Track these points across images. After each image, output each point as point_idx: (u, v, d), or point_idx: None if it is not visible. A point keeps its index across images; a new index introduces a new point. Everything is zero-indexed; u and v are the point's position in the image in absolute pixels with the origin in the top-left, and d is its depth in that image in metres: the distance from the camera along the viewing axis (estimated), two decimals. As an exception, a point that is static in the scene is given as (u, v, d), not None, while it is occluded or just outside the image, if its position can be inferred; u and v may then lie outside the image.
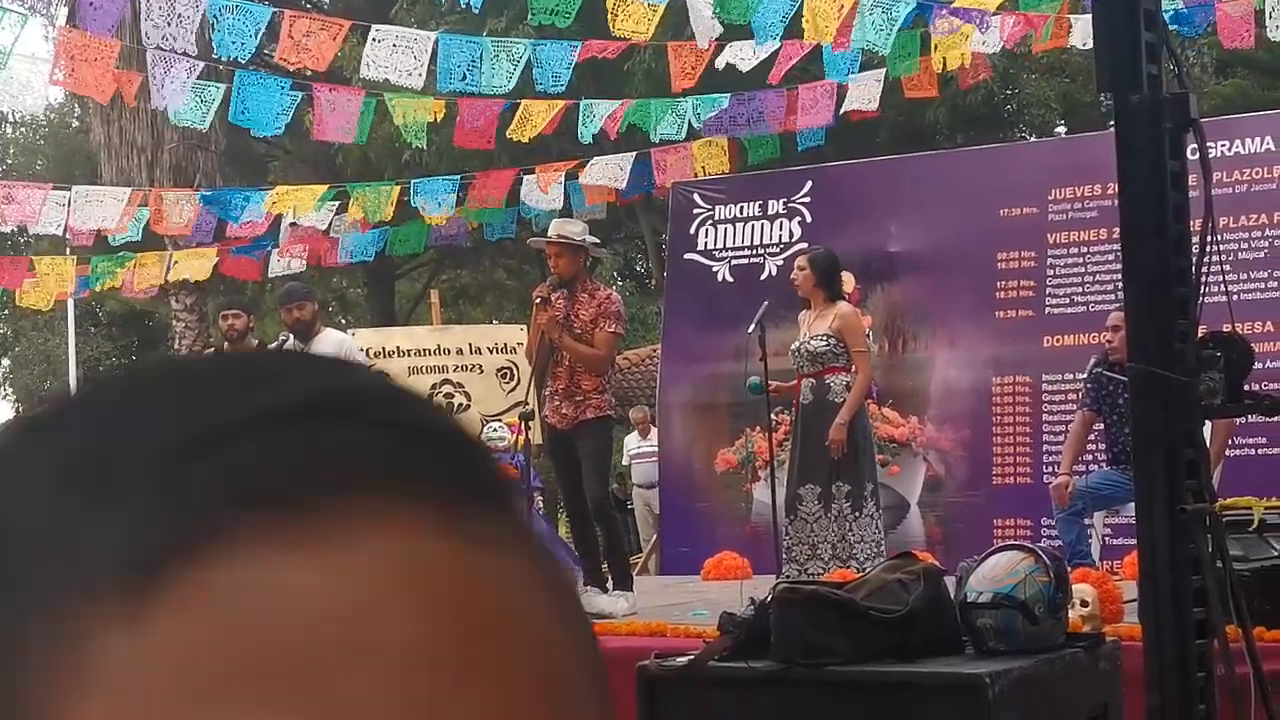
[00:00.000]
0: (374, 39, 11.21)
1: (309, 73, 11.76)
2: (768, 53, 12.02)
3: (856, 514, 8.96)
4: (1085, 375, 9.47)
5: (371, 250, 16.46)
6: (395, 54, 11.16)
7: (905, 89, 13.12)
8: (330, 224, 15.08)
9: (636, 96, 14.85)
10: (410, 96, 13.02)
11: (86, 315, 33.68)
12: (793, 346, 9.35)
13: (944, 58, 12.35)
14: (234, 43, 10.59)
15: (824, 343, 9.10)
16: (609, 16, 10.52)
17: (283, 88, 11.99)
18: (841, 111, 13.13)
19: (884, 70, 12.93)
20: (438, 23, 18.51)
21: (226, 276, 16.89)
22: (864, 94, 12.92)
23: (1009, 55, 16.91)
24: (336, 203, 14.75)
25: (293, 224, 14.94)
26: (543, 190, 14.36)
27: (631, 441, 17.91)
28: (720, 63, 12.23)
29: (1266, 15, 11.08)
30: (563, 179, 14.50)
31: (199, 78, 11.70)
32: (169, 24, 9.89)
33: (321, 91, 12.42)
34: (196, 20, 10.10)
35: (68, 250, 17.59)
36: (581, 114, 13.17)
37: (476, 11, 11.65)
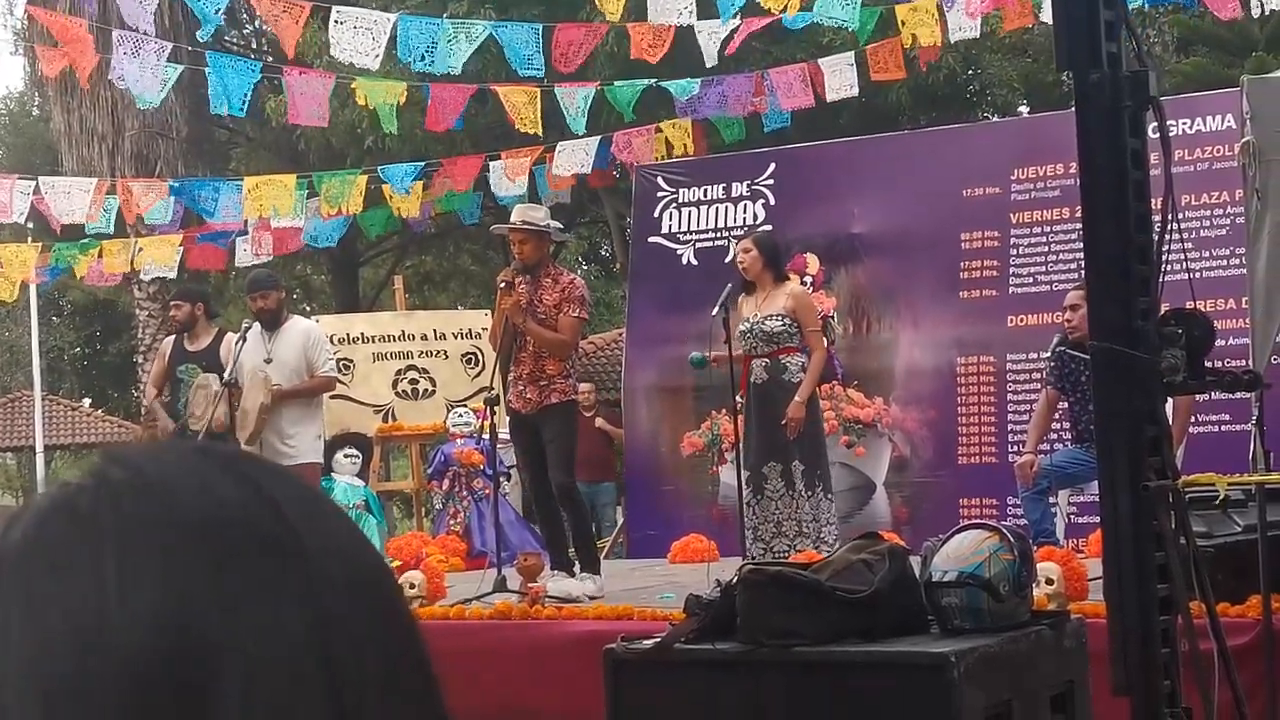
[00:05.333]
0: (336, 21, 11.18)
1: (270, 58, 11.74)
2: (730, 30, 12.04)
3: (812, 493, 8.97)
4: (1048, 354, 9.49)
5: (336, 236, 16.40)
6: (358, 36, 11.13)
7: (872, 71, 13.12)
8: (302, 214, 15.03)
9: (602, 78, 14.83)
10: (376, 80, 12.99)
11: (49, 305, 33.51)
12: (742, 328, 9.26)
13: (914, 34, 12.35)
14: (202, 19, 10.59)
15: (779, 323, 9.08)
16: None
17: (252, 70, 11.97)
18: (829, 100, 13.17)
19: (853, 52, 12.97)
20: (398, 5, 18.42)
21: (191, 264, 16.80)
22: (841, 80, 12.96)
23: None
24: (307, 192, 14.69)
25: (260, 217, 14.87)
26: (510, 179, 14.32)
27: None
28: (705, 55, 12.25)
29: None
30: (529, 164, 14.48)
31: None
32: (137, 2, 9.86)
33: (291, 75, 12.38)
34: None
35: (29, 239, 17.49)
36: (562, 104, 13.17)
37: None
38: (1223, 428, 10.36)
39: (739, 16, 11.56)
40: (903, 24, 12.39)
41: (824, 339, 9.50)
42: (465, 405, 13.68)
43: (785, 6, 10.76)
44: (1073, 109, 4.77)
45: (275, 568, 0.76)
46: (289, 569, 0.76)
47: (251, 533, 0.76)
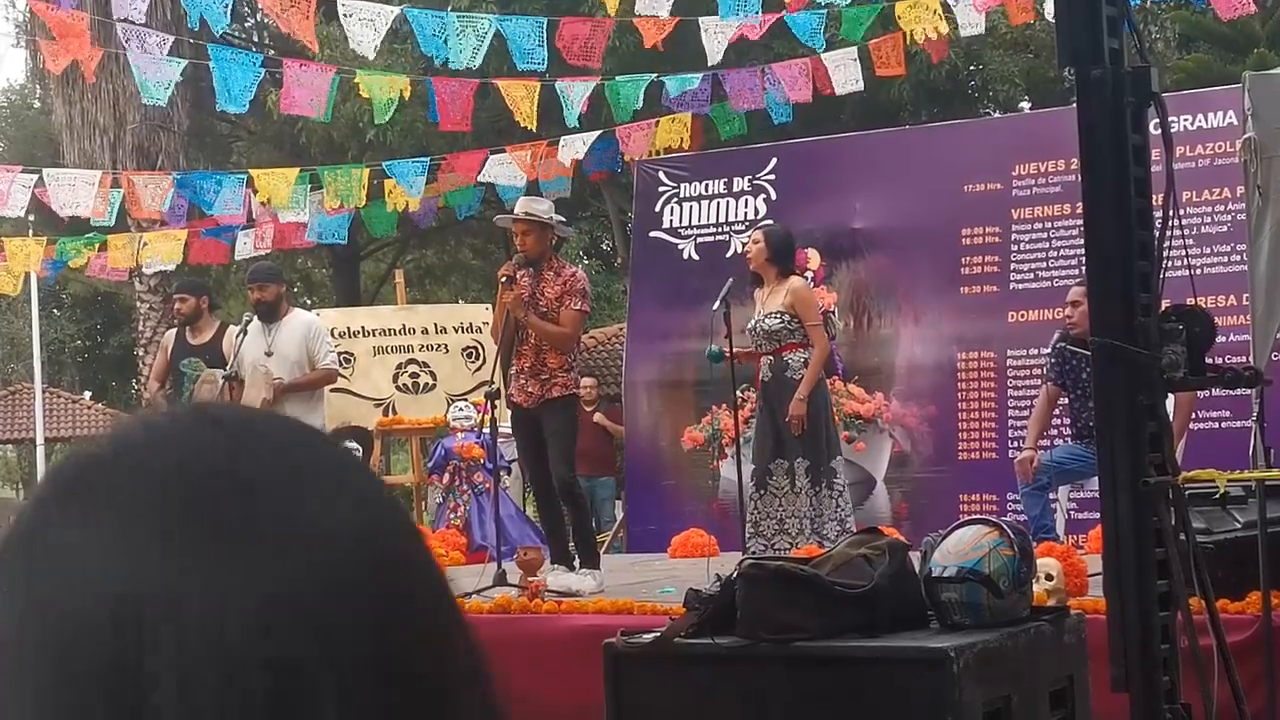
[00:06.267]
0: (343, 13, 11.22)
1: (272, 50, 11.75)
2: (734, 29, 12.04)
3: (816, 490, 8.95)
4: (1049, 350, 9.49)
5: (343, 232, 16.38)
6: (362, 28, 11.18)
7: (875, 66, 13.12)
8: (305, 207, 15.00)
9: (604, 72, 14.83)
10: (378, 73, 12.98)
11: (50, 298, 33.51)
12: (749, 325, 9.30)
13: (910, 30, 12.36)
14: (210, 18, 10.60)
15: (778, 320, 9.07)
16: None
17: (255, 63, 11.98)
18: (838, 94, 13.17)
19: (855, 48, 12.97)
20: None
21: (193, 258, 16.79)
22: (846, 75, 12.96)
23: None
24: (310, 186, 14.67)
25: (263, 203, 14.86)
26: (528, 173, 14.29)
27: None
28: (709, 54, 12.24)
29: None
30: (532, 159, 14.46)
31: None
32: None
33: (291, 67, 12.38)
34: None
35: (30, 232, 17.47)
36: (561, 97, 13.15)
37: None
38: (1223, 424, 10.36)
39: (742, 15, 11.54)
40: (899, 19, 12.39)
41: (825, 333, 9.48)
42: (466, 399, 13.68)
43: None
44: (1074, 105, 4.77)
45: (233, 538, 0.73)
46: (249, 540, 0.73)
47: (216, 504, 0.73)
